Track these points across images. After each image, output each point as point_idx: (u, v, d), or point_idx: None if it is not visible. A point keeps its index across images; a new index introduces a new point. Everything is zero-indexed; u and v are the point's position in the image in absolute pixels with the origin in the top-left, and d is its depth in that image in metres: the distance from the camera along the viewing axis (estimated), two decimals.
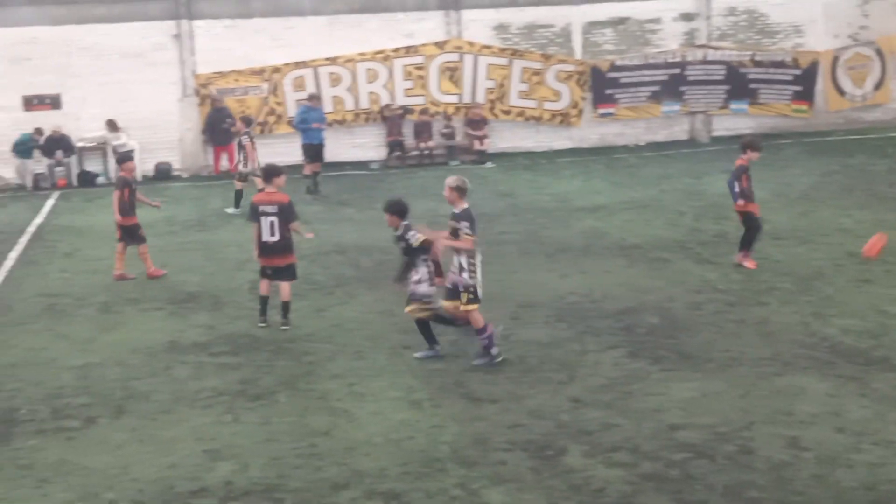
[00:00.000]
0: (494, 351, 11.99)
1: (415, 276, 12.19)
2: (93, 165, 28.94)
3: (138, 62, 28.90)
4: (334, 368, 11.99)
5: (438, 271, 12.30)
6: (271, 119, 29.67)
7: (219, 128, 28.47)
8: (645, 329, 13.07)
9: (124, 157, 17.67)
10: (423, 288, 12.19)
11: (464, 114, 30.41)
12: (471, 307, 12.01)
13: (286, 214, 13.58)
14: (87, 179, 28.48)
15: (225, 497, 8.70)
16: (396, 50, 30.01)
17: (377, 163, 29.66)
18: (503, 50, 30.53)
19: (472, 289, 12.04)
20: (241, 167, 22.97)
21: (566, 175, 26.55)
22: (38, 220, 22.96)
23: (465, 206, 12.22)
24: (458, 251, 12.10)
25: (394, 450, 9.54)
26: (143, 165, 28.83)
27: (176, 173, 29.13)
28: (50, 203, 25.43)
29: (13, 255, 19.11)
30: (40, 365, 12.55)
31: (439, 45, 30.26)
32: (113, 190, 17.32)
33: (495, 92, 30.57)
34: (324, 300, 15.06)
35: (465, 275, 12.04)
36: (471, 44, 30.37)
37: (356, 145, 30.45)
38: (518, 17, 30.89)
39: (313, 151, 25.20)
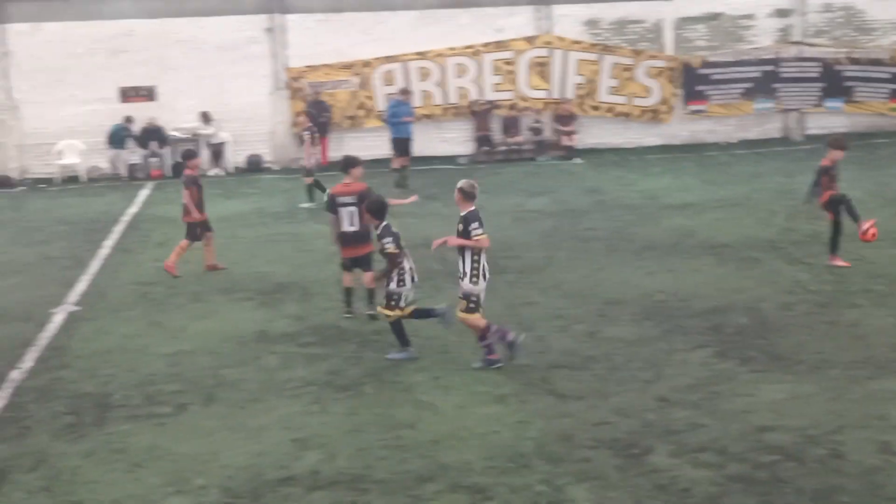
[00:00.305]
0: (494, 358, 11.75)
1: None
2: None
3: (232, 55, 29.36)
4: (420, 361, 12.05)
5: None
6: (361, 113, 29.91)
7: (318, 121, 28.78)
8: (734, 329, 12.91)
9: (189, 154, 17.48)
10: (392, 286, 12.05)
11: (552, 109, 30.32)
12: (469, 316, 11.79)
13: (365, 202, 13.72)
14: (180, 170, 28.95)
15: (312, 486, 8.80)
16: (486, 45, 30.02)
17: (465, 157, 29.71)
18: (593, 45, 30.36)
19: (473, 297, 11.78)
20: (304, 163, 23.20)
21: (655, 172, 26.32)
22: (133, 209, 23.45)
23: (472, 208, 12.04)
24: (462, 255, 11.86)
25: (479, 444, 9.56)
26: (235, 157, 29.34)
27: (267, 165, 29.52)
28: (144, 193, 25.96)
29: (108, 244, 19.55)
30: (134, 352, 12.83)
31: (529, 40, 30.20)
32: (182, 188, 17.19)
33: (584, 88, 30.42)
34: (410, 294, 15.10)
35: (466, 280, 11.77)
36: (561, 39, 30.26)
37: (444, 140, 30.55)
38: (609, 12, 30.70)
39: (402, 145, 25.34)
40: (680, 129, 31.22)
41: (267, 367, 12.08)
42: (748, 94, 30.89)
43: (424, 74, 29.92)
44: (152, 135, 28.71)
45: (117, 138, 28.57)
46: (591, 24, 30.69)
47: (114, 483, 9.02)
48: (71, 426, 10.37)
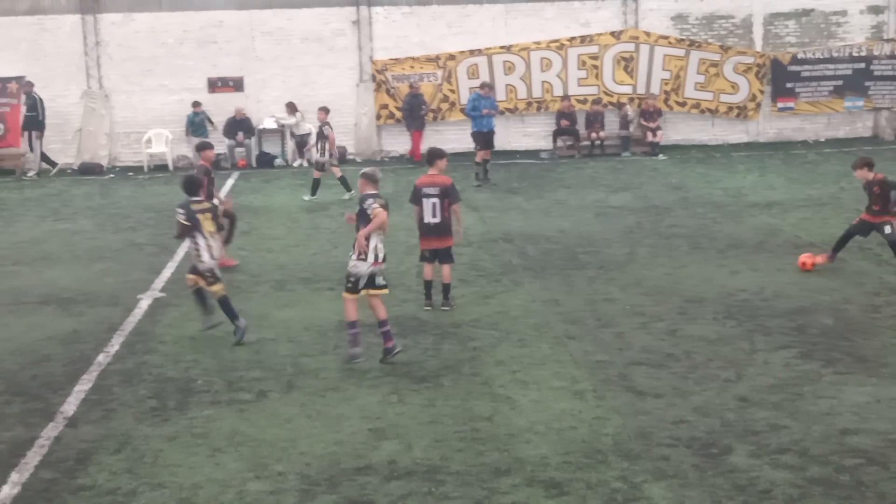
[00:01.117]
0: (356, 351, 11.85)
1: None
2: (271, 147, 29.83)
3: (318, 47, 29.67)
4: (498, 355, 12.06)
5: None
6: (444, 106, 29.99)
7: (416, 113, 28.90)
8: (818, 330, 12.69)
9: (203, 146, 17.25)
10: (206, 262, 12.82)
11: (637, 105, 30.08)
12: (345, 295, 11.97)
13: (449, 196, 13.76)
14: (265, 160, 29.37)
15: (388, 476, 8.86)
16: (571, 39, 29.91)
17: (547, 152, 29.64)
18: (680, 41, 30.07)
19: (351, 277, 11.93)
20: (318, 156, 23.31)
21: (740, 169, 25.99)
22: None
23: (371, 191, 12.16)
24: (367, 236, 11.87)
25: (555, 439, 9.54)
26: None
27: (350, 157, 29.73)
28: (230, 182, 26.31)
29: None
30: (217, 338, 13.01)
31: (615, 34, 30.00)
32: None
33: (670, 83, 30.14)
34: (490, 287, 15.15)
35: (353, 257, 11.96)
36: (647, 34, 30.01)
37: (527, 134, 30.51)
38: (697, 7, 30.38)
39: (483, 139, 25.32)
40: (767, 126, 30.80)
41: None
42: (838, 92, 30.37)
43: (509, 68, 29.89)
44: (239, 125, 29.09)
45: (194, 126, 28.98)
46: (679, 18, 30.39)
47: (195, 467, 9.16)
48: (154, 410, 10.56)
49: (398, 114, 29.81)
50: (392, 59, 29.77)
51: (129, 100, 29.54)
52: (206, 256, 12.83)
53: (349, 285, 11.93)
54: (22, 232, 20.37)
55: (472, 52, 29.77)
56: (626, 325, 13.08)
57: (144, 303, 14.70)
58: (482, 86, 26.37)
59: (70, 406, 10.70)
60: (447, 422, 10.06)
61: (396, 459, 9.18)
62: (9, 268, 17.27)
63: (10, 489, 8.77)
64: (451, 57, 29.75)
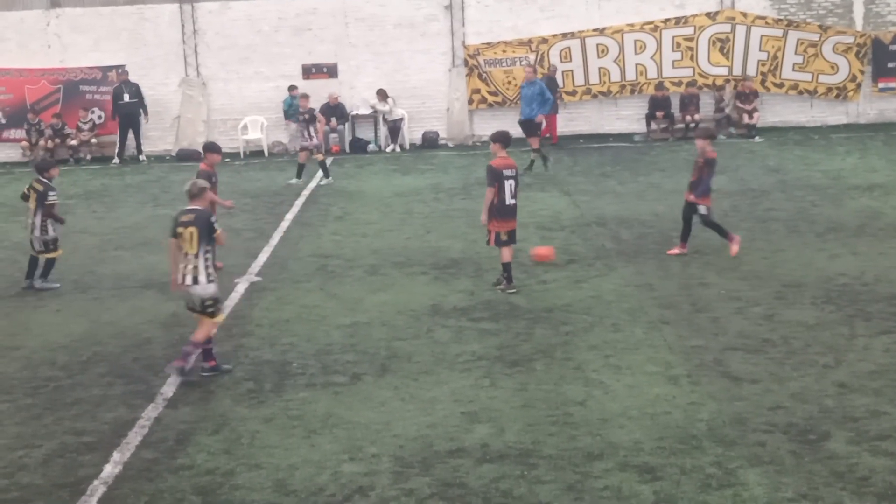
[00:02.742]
0: (182, 365, 11.07)
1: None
2: (364, 133, 30.04)
3: (411, 33, 29.73)
4: (591, 339, 12.00)
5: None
6: None
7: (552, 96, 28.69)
8: None
9: (210, 147, 16.16)
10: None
11: (733, 86, 29.61)
12: (216, 320, 11.38)
13: (518, 179, 14.05)
14: (358, 146, 29.59)
15: (481, 459, 8.89)
16: (666, 21, 29.52)
17: (641, 135, 29.34)
18: (778, 21, 29.48)
19: (214, 298, 11.22)
20: (304, 142, 23.90)
21: (840, 152, 25.42)
22: (313, 183, 24.03)
23: (194, 207, 11.23)
24: (202, 255, 11.06)
25: (649, 424, 9.47)
26: (412, 134, 29.73)
27: (442, 142, 29.80)
28: None
29: (289, 217, 20.11)
30: (312, 322, 13.18)
31: (711, 15, 29.54)
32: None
33: (767, 64, 29.59)
34: (583, 271, 15.08)
35: (204, 280, 11.08)
36: (744, 14, 29.48)
37: (620, 117, 30.23)
38: None
39: (524, 127, 24.79)
40: (868, 107, 30.06)
41: (439, 340, 12.23)
42: None
43: (602, 51, 29.63)
44: (333, 111, 29.33)
45: (292, 109, 29.29)
46: None
47: (291, 448, 9.30)
48: (251, 392, 10.74)
49: (490, 98, 29.77)
50: (484, 44, 29.71)
51: (225, 87, 29.99)
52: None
53: (216, 308, 11.30)
54: (123, 218, 20.83)
55: (564, 36, 29.57)
56: (722, 309, 12.92)
57: (241, 287, 14.94)
58: (531, 71, 25.72)
59: (170, 388, 10.93)
60: (540, 406, 10.05)
61: (489, 443, 9.21)
62: (111, 253, 17.70)
63: (112, 468, 9.00)
64: (544, 40, 29.59)
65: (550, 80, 28.55)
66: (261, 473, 8.79)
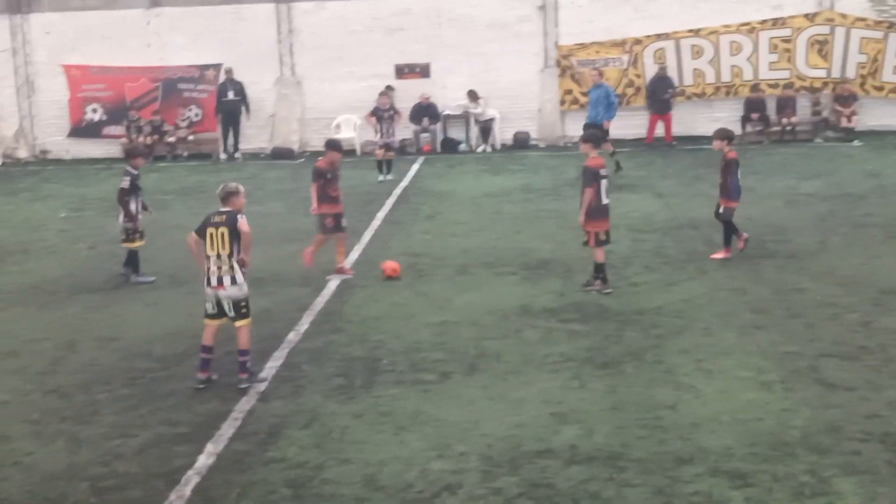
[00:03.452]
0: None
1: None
2: (456, 133, 30.13)
3: (503, 33, 29.75)
4: (682, 343, 11.88)
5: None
6: (629, 91, 29.64)
7: (660, 96, 28.58)
8: None
9: (329, 145, 16.12)
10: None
11: (832, 89, 29.06)
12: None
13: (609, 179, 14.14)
14: (449, 146, 29.68)
15: (569, 460, 8.86)
16: (763, 22, 29.12)
17: (735, 138, 28.88)
18: (878, 23, 28.88)
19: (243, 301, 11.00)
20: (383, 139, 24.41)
21: None
22: (404, 182, 24.18)
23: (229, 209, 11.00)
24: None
25: (741, 430, 9.34)
26: (503, 134, 29.76)
27: (533, 142, 29.75)
28: (415, 167, 26.71)
29: (380, 215, 20.26)
30: (402, 319, 13.26)
31: (809, 17, 29.06)
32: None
33: (867, 67, 28.98)
34: (674, 274, 14.94)
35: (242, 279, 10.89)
36: (843, 16, 28.94)
37: (715, 119, 29.80)
38: None
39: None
40: None
41: (528, 340, 12.22)
42: None
43: (697, 52, 29.34)
44: (425, 111, 29.47)
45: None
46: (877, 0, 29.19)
47: (380, 444, 9.37)
48: (341, 388, 10.85)
49: (583, 99, 29.63)
50: (577, 45, 29.61)
51: (319, 86, 30.32)
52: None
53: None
54: None
55: (658, 37, 29.34)
56: (817, 315, 12.69)
57: (333, 284, 15.09)
58: (598, 74, 25.65)
59: (262, 382, 11.09)
60: (629, 409, 9.99)
61: (577, 444, 9.18)
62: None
63: (205, 459, 9.17)
64: (638, 41, 29.39)
65: (661, 80, 28.31)
66: (350, 468, 8.87)
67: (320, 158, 16.16)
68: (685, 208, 19.61)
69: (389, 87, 28.72)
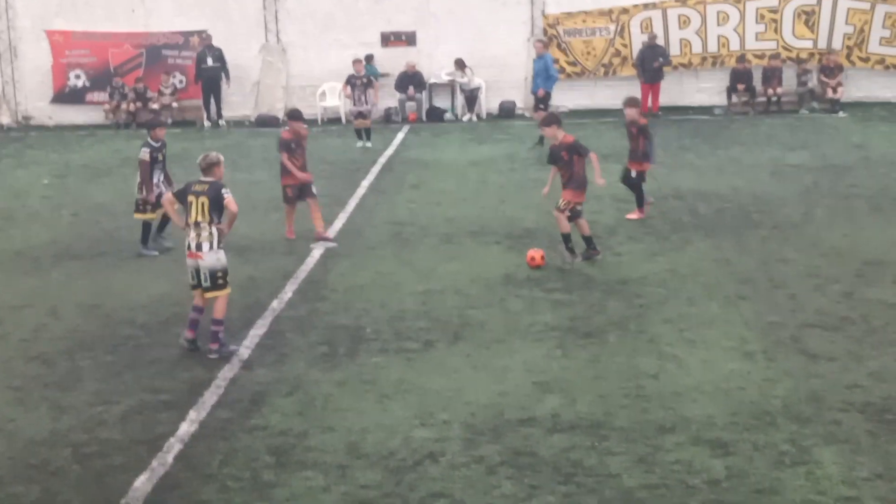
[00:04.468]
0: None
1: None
2: (441, 102, 30.01)
3: (491, 2, 29.58)
4: (666, 313, 11.91)
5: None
6: (616, 61, 29.55)
7: (649, 66, 28.42)
8: None
9: (292, 115, 16.29)
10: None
11: (818, 60, 29.02)
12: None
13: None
14: (435, 115, 29.58)
15: (552, 429, 8.89)
16: None
17: (721, 108, 28.91)
18: None
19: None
20: (360, 108, 24.74)
21: None
22: (389, 151, 24.11)
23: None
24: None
25: (723, 399, 9.39)
26: (489, 103, 29.62)
27: (519, 112, 29.66)
28: (400, 136, 26.62)
29: (365, 184, 20.22)
30: (386, 288, 13.25)
31: None
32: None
33: (853, 38, 28.95)
34: (658, 245, 14.96)
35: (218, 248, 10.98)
36: None
37: (700, 90, 29.84)
38: None
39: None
40: None
41: (512, 309, 12.23)
42: None
43: (684, 22, 29.23)
44: (411, 79, 29.34)
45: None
46: None
47: (363, 412, 9.39)
48: (325, 356, 10.85)
49: (569, 69, 29.55)
50: (564, 14, 29.48)
51: (305, 54, 30.11)
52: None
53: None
54: None
55: (645, 6, 29.22)
56: (801, 286, 12.74)
57: (317, 252, 15.06)
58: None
59: (245, 350, 11.09)
60: (612, 378, 10.02)
61: (560, 413, 9.21)
62: None
63: (188, 426, 9.17)
64: (625, 11, 29.27)
65: (651, 49, 28.20)
66: (333, 436, 8.89)
67: (284, 129, 16.20)
68: (670, 179, 19.58)
69: (369, 56, 28.60)
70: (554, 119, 14.65)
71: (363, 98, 24.43)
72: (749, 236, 15.25)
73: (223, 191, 10.90)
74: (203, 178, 11.06)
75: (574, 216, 14.15)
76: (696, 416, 9.05)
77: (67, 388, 10.15)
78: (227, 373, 10.44)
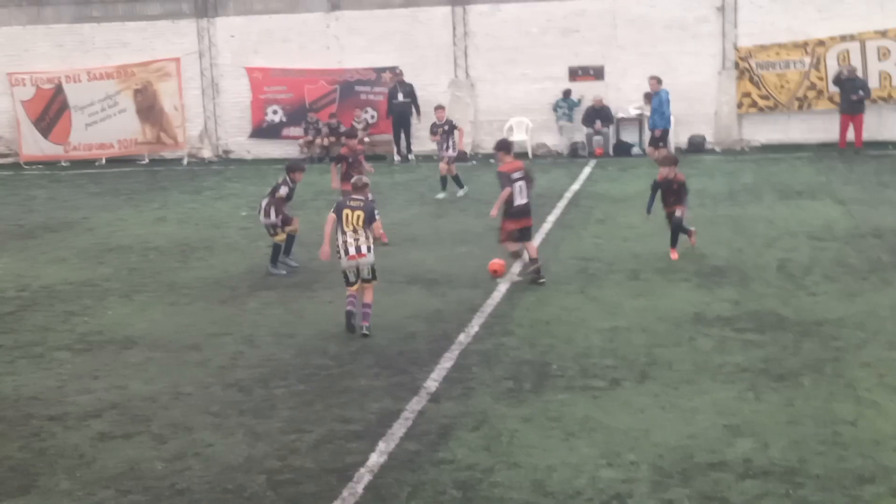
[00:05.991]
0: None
1: None
2: (629, 136, 29.81)
3: (680, 34, 29.30)
4: (864, 357, 11.46)
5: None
6: (811, 94, 28.77)
7: (848, 97, 27.73)
8: None
9: (349, 134, 20.28)
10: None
11: None
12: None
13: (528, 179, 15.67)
14: (622, 149, 29.40)
15: (743, 474, 8.65)
16: None
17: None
18: None
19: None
20: (443, 153, 23.78)
21: None
22: (575, 186, 24.07)
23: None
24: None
25: None
26: (677, 137, 29.23)
27: (709, 146, 29.18)
28: (587, 170, 26.55)
29: (551, 219, 20.22)
30: (571, 324, 13.20)
31: None
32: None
33: None
34: (856, 285, 14.42)
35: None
36: None
37: None
38: None
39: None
40: None
41: (701, 349, 11.99)
42: None
43: (884, 54, 28.24)
44: (598, 114, 29.27)
45: (562, 111, 29.65)
46: None
47: (549, 449, 9.34)
48: (511, 391, 10.87)
49: (762, 102, 28.93)
50: (757, 46, 28.90)
51: (492, 89, 30.45)
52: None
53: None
54: (392, 214, 21.44)
55: (842, 38, 28.36)
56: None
57: (503, 286, 15.13)
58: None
59: (433, 382, 11.21)
60: (807, 423, 9.69)
61: (752, 458, 8.96)
62: (378, 249, 18.23)
63: (377, 457, 9.32)
64: (821, 43, 28.48)
65: (850, 81, 27.37)
66: (519, 472, 8.88)
67: (343, 147, 19.01)
68: (869, 216, 18.90)
69: (567, 91, 28.69)
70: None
71: (445, 145, 23.96)
72: None
73: (376, 212, 13.27)
74: (356, 196, 13.33)
75: (508, 238, 15.34)
76: None
77: (262, 416, 10.47)
78: (415, 405, 10.57)
